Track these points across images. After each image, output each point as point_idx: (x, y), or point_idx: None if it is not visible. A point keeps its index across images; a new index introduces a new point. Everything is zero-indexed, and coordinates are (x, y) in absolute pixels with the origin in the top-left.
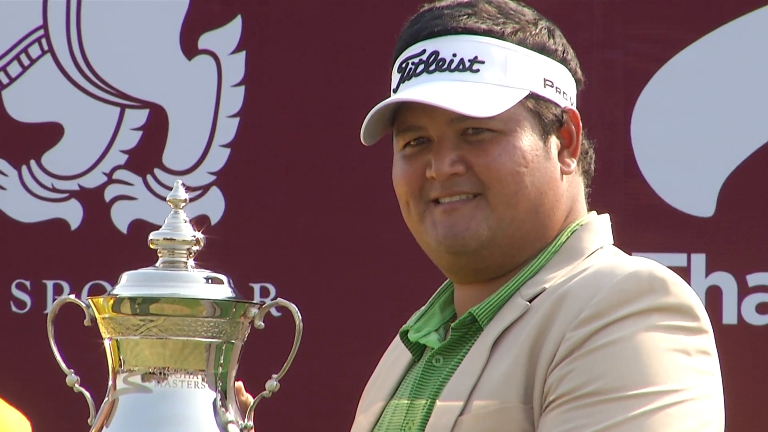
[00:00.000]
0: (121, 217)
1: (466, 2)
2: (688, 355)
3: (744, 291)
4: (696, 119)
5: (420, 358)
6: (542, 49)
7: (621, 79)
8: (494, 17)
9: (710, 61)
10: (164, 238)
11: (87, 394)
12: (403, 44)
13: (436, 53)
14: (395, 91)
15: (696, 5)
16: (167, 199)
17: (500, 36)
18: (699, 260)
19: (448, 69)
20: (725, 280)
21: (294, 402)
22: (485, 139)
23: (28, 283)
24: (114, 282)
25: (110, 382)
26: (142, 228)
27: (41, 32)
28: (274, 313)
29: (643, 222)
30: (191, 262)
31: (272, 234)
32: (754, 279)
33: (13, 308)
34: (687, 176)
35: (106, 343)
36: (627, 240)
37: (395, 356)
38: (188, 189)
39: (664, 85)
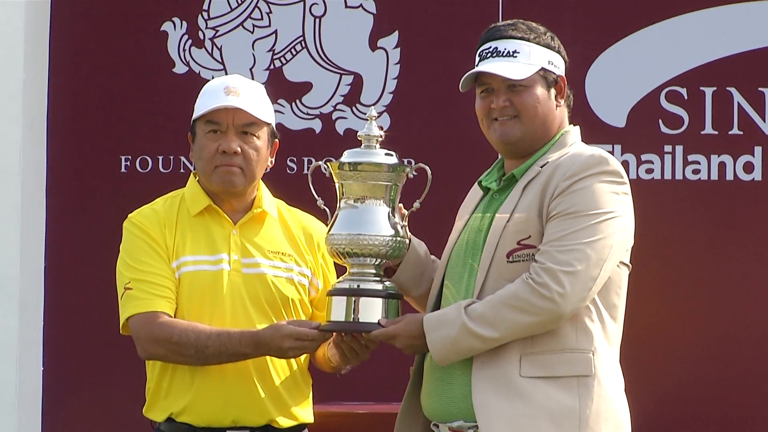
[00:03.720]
0: (340, 128)
1: (512, 23)
2: (617, 195)
3: (639, 163)
4: (617, 74)
5: (486, 194)
6: (548, 46)
7: (580, 58)
8: (525, 30)
9: (636, 48)
10: (365, 134)
11: (327, 210)
12: (481, 42)
13: (496, 47)
14: (477, 65)
15: (623, 13)
16: (367, 115)
17: (527, 40)
18: (617, 147)
19: (502, 56)
20: (631, 158)
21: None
22: (519, 90)
23: (294, 159)
24: (336, 157)
25: (338, 204)
26: (351, 133)
27: (301, 38)
28: (410, 175)
29: (590, 129)
30: (378, 146)
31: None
32: (644, 157)
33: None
34: (611, 105)
35: (337, 185)
36: (584, 139)
37: (474, 194)
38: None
39: (605, 59)
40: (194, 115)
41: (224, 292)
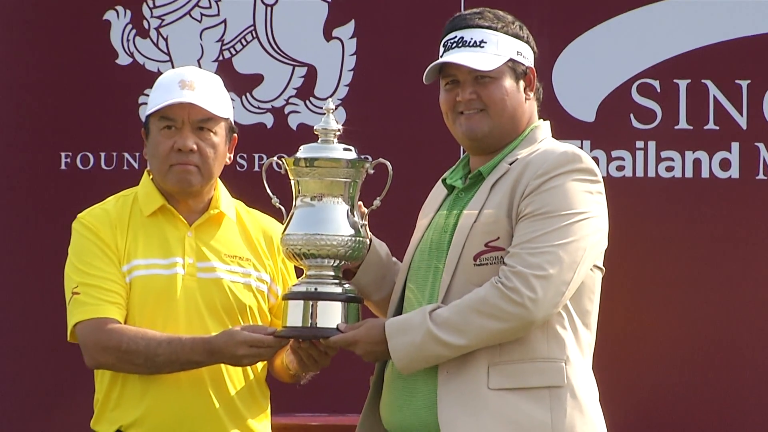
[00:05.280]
0: (293, 122)
1: (478, 11)
2: (591, 194)
3: (610, 160)
4: (585, 66)
5: (451, 193)
6: (516, 36)
7: (547, 49)
8: (492, 19)
9: (606, 37)
10: (322, 128)
11: (283, 208)
12: (446, 32)
13: (462, 37)
14: (441, 56)
15: (592, 1)
16: (324, 108)
17: (495, 29)
18: (587, 143)
19: (468, 46)
20: (601, 154)
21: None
22: (487, 82)
23: (245, 155)
24: (289, 154)
25: (294, 202)
26: (304, 128)
27: (252, 28)
28: (370, 171)
29: (558, 124)
30: (335, 141)
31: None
32: (615, 153)
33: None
34: (580, 99)
35: (292, 182)
36: (555, 135)
37: (437, 192)
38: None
39: (573, 51)
40: (147, 110)
41: (178, 298)
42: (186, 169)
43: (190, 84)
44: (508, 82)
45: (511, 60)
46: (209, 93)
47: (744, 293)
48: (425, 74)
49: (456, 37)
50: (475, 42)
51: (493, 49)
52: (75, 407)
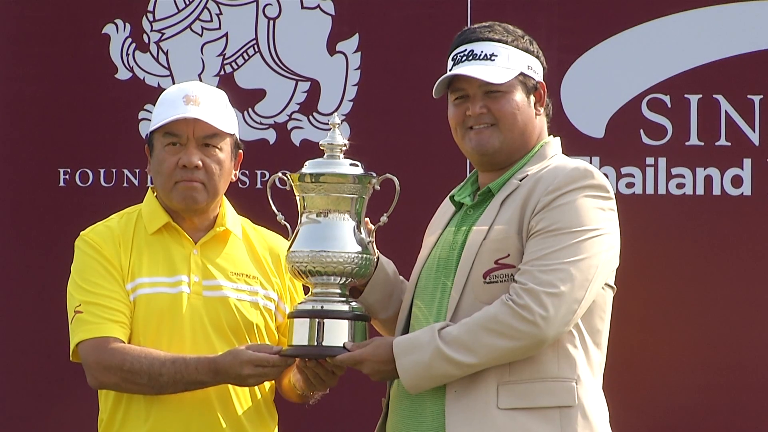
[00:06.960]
0: (296, 138)
1: (488, 25)
2: (603, 210)
3: (619, 177)
4: (594, 80)
5: (459, 210)
6: (526, 50)
7: (556, 64)
8: (502, 33)
9: (611, 53)
10: (328, 143)
11: (288, 225)
12: (455, 45)
13: (472, 50)
14: (450, 70)
15: (602, 15)
16: (329, 122)
17: (505, 43)
18: (596, 159)
19: (479, 59)
20: (610, 171)
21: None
22: (497, 96)
23: (246, 172)
24: (292, 170)
25: (299, 219)
26: (307, 144)
27: (254, 42)
28: (376, 187)
29: (566, 140)
30: (342, 155)
31: (383, 152)
32: (624, 170)
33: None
34: (589, 114)
35: (298, 198)
36: (563, 151)
37: (444, 209)
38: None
39: (582, 65)
40: (151, 126)
41: (183, 317)
42: (191, 186)
43: (194, 99)
44: (519, 96)
45: (521, 74)
46: (214, 108)
47: (759, 312)
48: (435, 88)
49: (466, 50)
50: (485, 55)
51: (504, 62)
52: (78, 427)
